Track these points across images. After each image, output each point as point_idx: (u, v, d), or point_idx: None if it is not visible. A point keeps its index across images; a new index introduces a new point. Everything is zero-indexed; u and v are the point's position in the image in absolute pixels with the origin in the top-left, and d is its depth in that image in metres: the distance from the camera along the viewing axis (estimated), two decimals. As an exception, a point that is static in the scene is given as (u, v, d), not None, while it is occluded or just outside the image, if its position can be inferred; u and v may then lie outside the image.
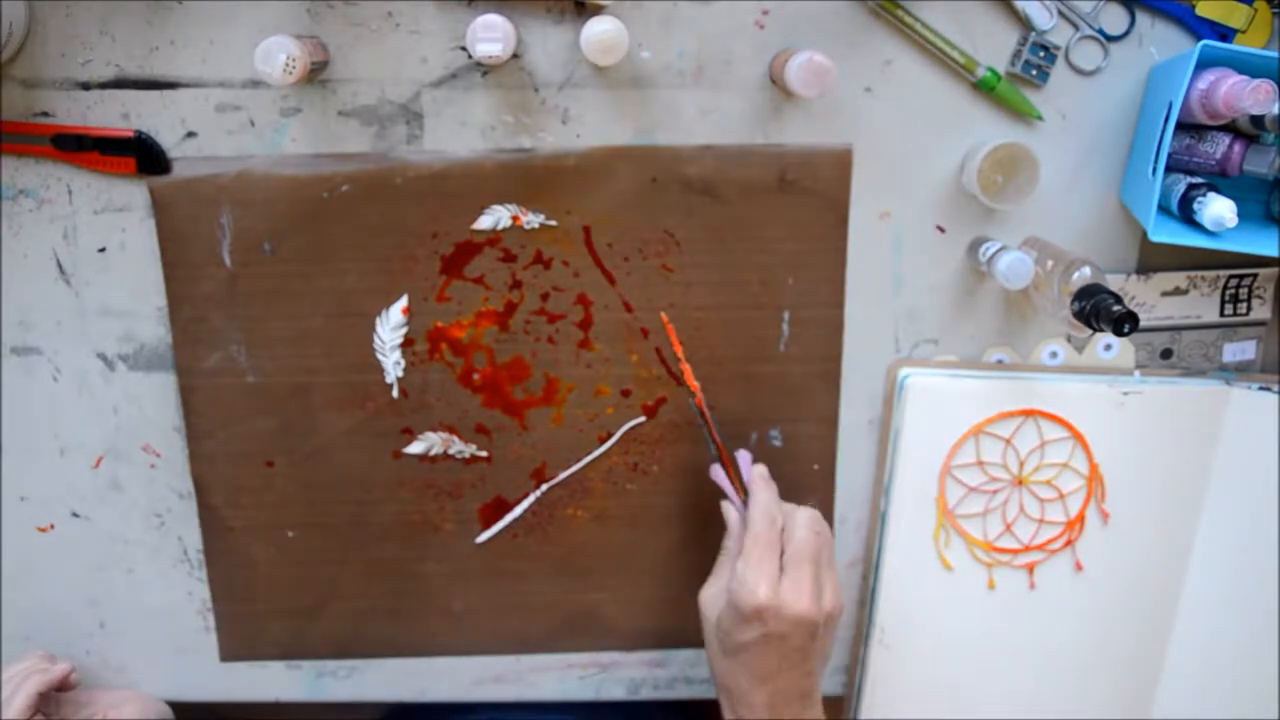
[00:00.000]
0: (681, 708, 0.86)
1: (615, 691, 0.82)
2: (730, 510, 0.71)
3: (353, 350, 0.73)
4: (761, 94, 0.70)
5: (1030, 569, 0.78)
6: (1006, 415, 0.75)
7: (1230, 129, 0.68)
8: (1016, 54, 0.69)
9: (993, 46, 0.69)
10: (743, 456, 0.72)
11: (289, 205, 0.70)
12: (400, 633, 0.80)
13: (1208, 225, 0.65)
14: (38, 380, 0.74)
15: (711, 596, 0.69)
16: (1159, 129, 0.65)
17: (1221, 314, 0.76)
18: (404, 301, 0.72)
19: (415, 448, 0.74)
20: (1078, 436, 0.75)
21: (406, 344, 0.73)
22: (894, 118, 0.70)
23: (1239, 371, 0.77)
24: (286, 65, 0.61)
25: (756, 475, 0.71)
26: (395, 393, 0.73)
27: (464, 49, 0.68)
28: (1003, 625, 0.79)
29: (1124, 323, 0.61)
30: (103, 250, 0.71)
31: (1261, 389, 0.74)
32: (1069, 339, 0.75)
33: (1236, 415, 0.75)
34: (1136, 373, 0.76)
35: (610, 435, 0.76)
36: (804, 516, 0.67)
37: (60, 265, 0.71)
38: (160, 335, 0.73)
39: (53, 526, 0.77)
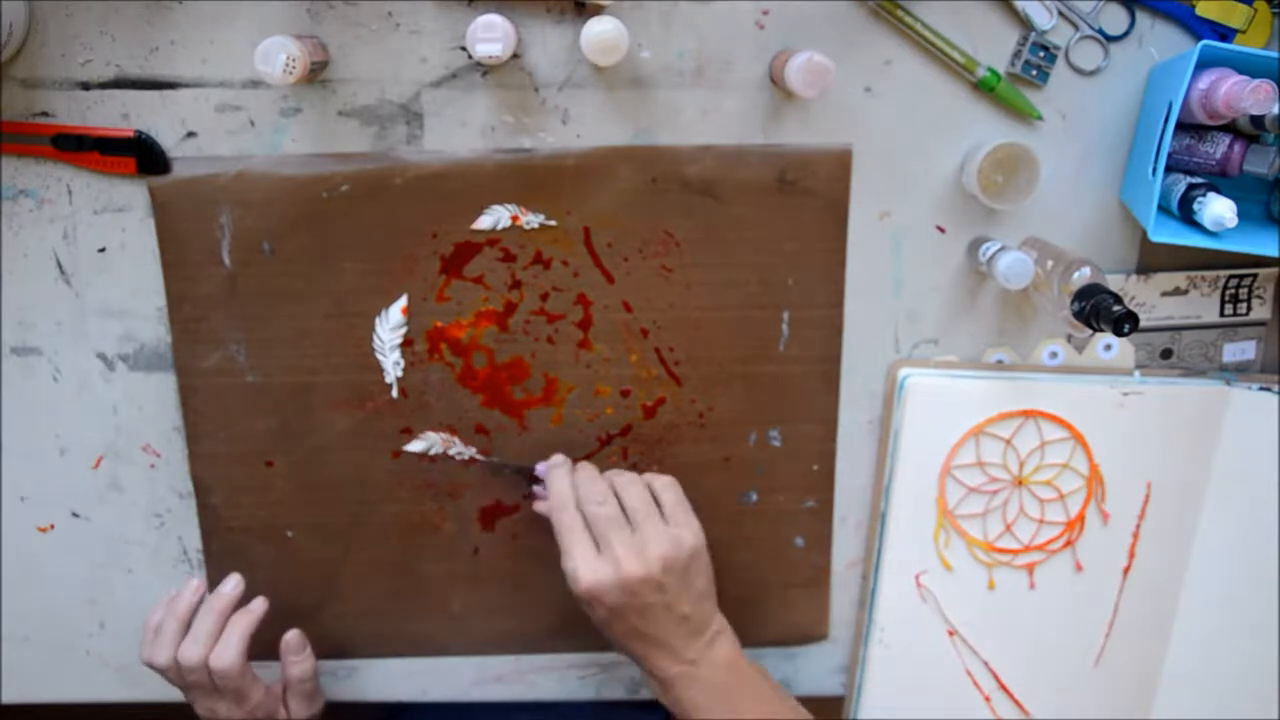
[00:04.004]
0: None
1: (615, 691, 0.82)
2: (540, 504, 0.73)
3: (352, 350, 0.73)
4: (761, 94, 0.70)
5: (1030, 569, 0.78)
6: (1006, 415, 0.75)
7: (1230, 129, 0.68)
8: (1016, 54, 0.69)
9: (993, 46, 0.69)
10: (540, 468, 0.74)
11: (289, 205, 0.70)
12: (400, 633, 0.80)
13: (1208, 225, 0.65)
14: (38, 380, 0.74)
15: None
16: (1159, 129, 0.65)
17: (1221, 314, 0.75)
18: (403, 301, 0.72)
19: (415, 446, 0.74)
20: (1078, 437, 0.75)
21: (406, 344, 0.73)
22: (894, 118, 0.70)
23: (1239, 371, 0.77)
24: (286, 65, 0.61)
25: (549, 467, 0.72)
26: (395, 393, 0.73)
27: (464, 49, 0.68)
28: (1003, 626, 0.79)
29: (1124, 323, 0.61)
30: (103, 250, 0.71)
31: (1261, 389, 0.74)
32: (1069, 339, 0.75)
33: (1236, 415, 0.75)
34: (1136, 373, 0.76)
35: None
36: (586, 487, 0.68)
37: (60, 265, 0.71)
38: (160, 335, 0.73)
39: (53, 526, 0.77)
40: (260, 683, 0.73)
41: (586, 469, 0.71)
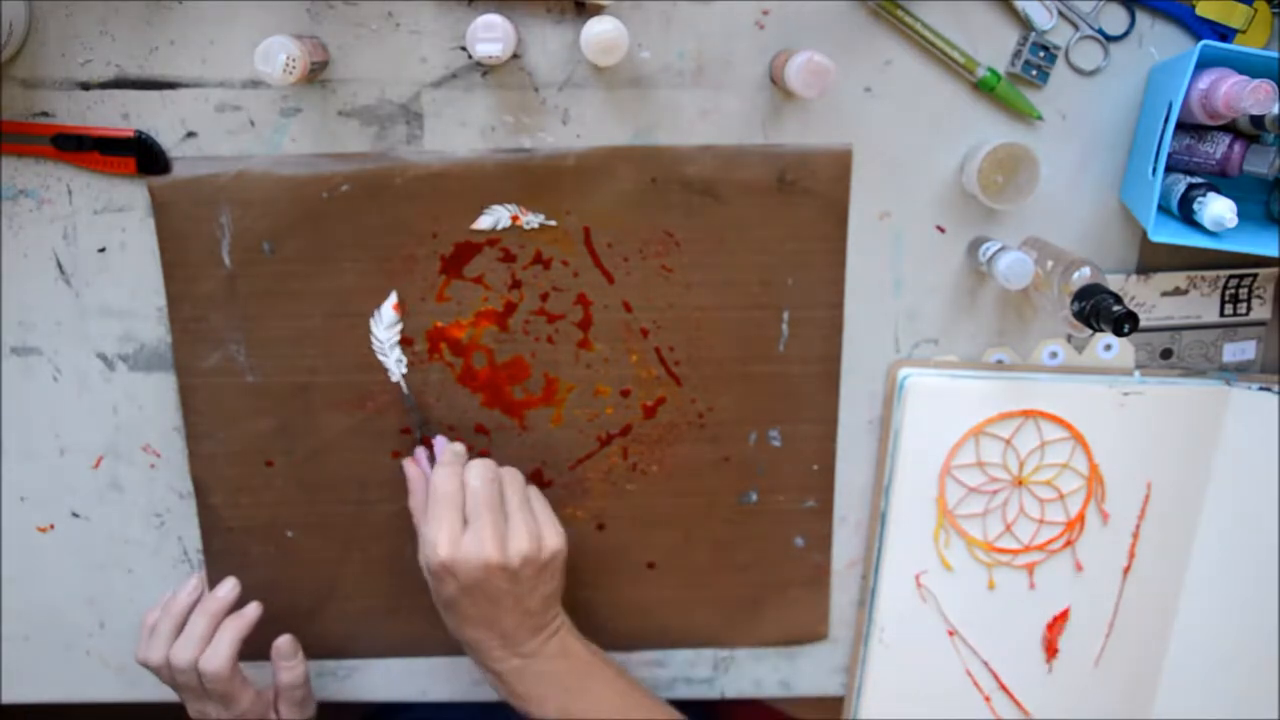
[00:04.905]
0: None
1: (615, 691, 0.82)
2: (409, 466, 0.73)
3: (352, 350, 0.73)
4: (761, 94, 0.70)
5: (1030, 569, 0.78)
6: (1006, 415, 0.75)
7: (1230, 129, 0.68)
8: (1016, 54, 0.69)
9: (993, 46, 0.69)
10: (440, 442, 0.73)
11: (289, 205, 0.70)
12: (400, 633, 0.80)
13: (1208, 225, 0.65)
14: (38, 380, 0.74)
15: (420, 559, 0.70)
16: (1159, 129, 0.65)
17: (1221, 314, 0.75)
18: (393, 299, 0.72)
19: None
20: (1078, 437, 0.75)
21: (406, 343, 0.73)
22: (894, 118, 0.70)
23: (1239, 371, 0.77)
24: (286, 65, 0.61)
25: (447, 446, 0.72)
26: (405, 389, 0.73)
27: (464, 49, 0.68)
28: (1003, 626, 0.79)
29: (1124, 323, 0.61)
30: (103, 250, 0.71)
31: (1261, 389, 0.74)
32: (1069, 339, 0.75)
33: (1236, 415, 0.75)
34: (1136, 373, 0.76)
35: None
36: (476, 467, 0.68)
37: (60, 265, 0.71)
38: (160, 335, 0.73)
39: (53, 526, 0.77)
40: (250, 688, 0.73)
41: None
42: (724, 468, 0.76)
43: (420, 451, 0.73)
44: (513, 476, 0.70)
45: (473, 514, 0.67)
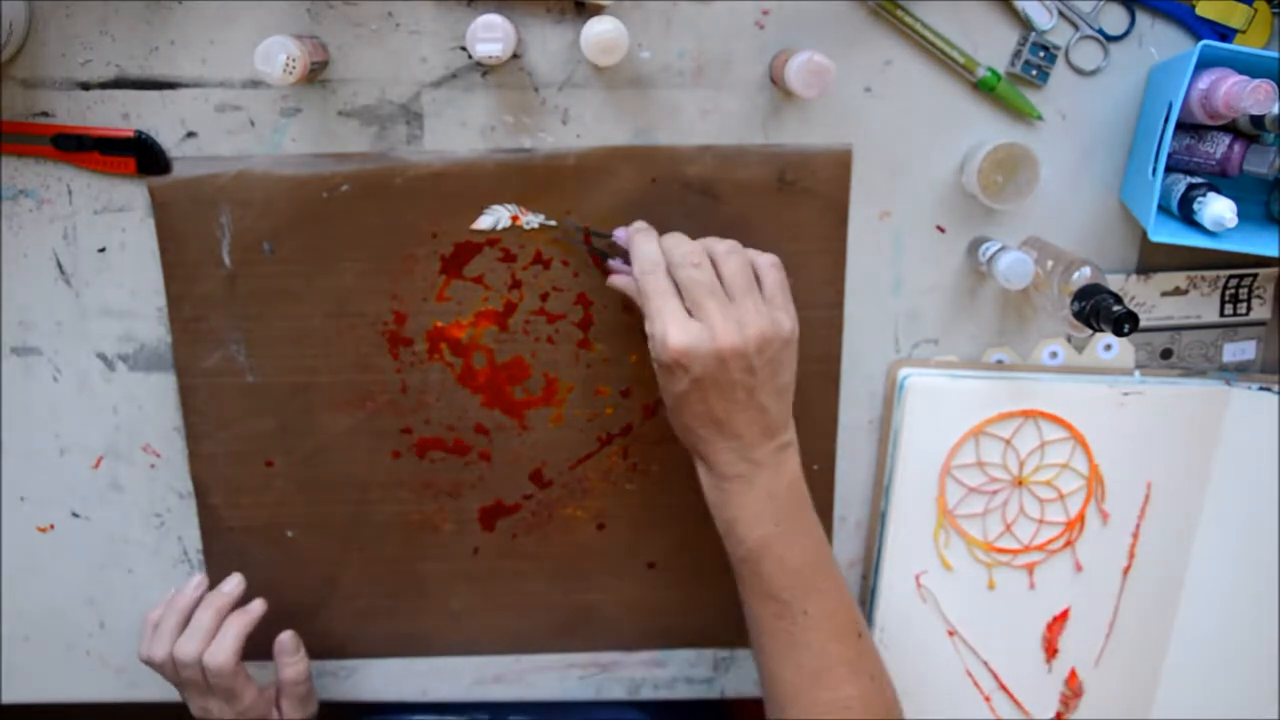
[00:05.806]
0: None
1: (615, 691, 0.82)
2: (619, 277, 0.68)
3: (352, 350, 0.73)
4: (761, 94, 0.70)
5: (1030, 569, 0.78)
6: (1006, 415, 0.75)
7: (1230, 129, 0.68)
8: (1016, 54, 0.69)
9: (993, 46, 0.69)
10: (620, 234, 0.68)
11: (289, 205, 0.70)
12: (400, 633, 0.80)
13: (1208, 225, 0.65)
14: (38, 380, 0.74)
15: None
16: (1159, 129, 0.65)
17: (1221, 314, 0.76)
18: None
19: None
20: (1078, 437, 0.75)
21: (406, 343, 0.73)
22: (894, 118, 0.70)
23: (1239, 371, 0.77)
24: (286, 65, 0.61)
25: (632, 231, 0.66)
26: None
27: (464, 49, 0.68)
28: (1003, 626, 0.79)
29: (1124, 323, 0.61)
30: (103, 250, 0.71)
31: (1261, 389, 0.74)
32: (1069, 339, 0.75)
33: (1236, 415, 0.75)
34: (1136, 373, 0.76)
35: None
36: (684, 252, 0.63)
37: (60, 265, 0.71)
38: (160, 335, 0.73)
39: (53, 526, 0.77)
40: (253, 684, 0.73)
41: (677, 234, 0.64)
42: (724, 468, 0.76)
43: (614, 263, 0.68)
44: (728, 251, 0.63)
45: (694, 304, 0.61)
